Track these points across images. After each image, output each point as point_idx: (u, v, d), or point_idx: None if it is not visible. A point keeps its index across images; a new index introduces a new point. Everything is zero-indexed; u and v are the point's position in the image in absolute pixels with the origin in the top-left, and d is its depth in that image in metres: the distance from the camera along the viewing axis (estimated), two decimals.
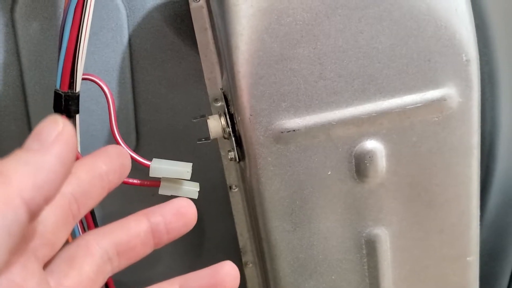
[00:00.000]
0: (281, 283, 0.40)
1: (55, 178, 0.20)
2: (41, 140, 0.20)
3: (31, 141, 0.20)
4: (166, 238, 0.27)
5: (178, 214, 0.27)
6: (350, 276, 0.40)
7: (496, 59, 0.52)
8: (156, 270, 0.55)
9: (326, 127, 0.36)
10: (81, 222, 0.38)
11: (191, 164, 0.38)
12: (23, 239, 0.21)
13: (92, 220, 0.39)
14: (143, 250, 0.26)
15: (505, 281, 0.60)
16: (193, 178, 0.39)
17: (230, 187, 0.45)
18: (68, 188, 0.23)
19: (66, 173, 0.20)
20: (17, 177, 0.19)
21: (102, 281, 0.25)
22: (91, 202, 0.25)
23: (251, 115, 0.35)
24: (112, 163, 0.26)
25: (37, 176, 0.19)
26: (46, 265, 0.23)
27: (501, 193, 0.56)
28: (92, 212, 0.39)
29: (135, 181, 0.38)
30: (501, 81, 0.52)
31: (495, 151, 0.54)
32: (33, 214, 0.19)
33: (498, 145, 0.54)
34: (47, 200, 0.20)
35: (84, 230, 0.38)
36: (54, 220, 0.23)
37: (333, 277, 0.40)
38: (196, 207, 0.33)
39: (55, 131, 0.20)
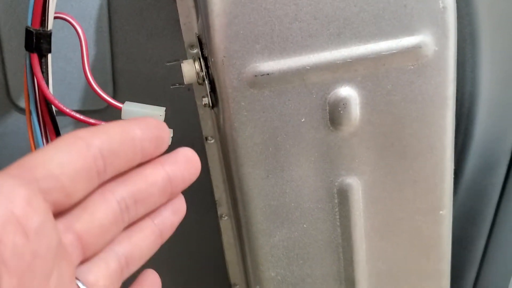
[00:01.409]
0: (253, 230, 0.40)
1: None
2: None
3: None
4: (181, 186, 0.26)
5: (189, 162, 0.26)
6: (321, 225, 0.40)
7: (478, 20, 0.51)
8: None
9: (300, 71, 0.35)
10: None
11: (164, 108, 0.37)
12: None
13: None
14: (161, 198, 0.26)
15: (481, 243, 0.60)
16: (170, 128, 0.39)
17: (206, 138, 0.45)
18: (96, 141, 0.22)
19: None
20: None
21: (116, 231, 0.24)
22: (120, 163, 0.24)
23: (224, 56, 0.35)
24: (149, 131, 0.25)
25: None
26: (61, 213, 0.22)
27: (479, 156, 0.56)
28: None
29: None
30: (482, 42, 0.52)
31: (474, 113, 0.54)
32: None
33: (477, 106, 0.54)
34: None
35: None
36: (73, 167, 0.21)
37: (304, 226, 0.40)
38: None
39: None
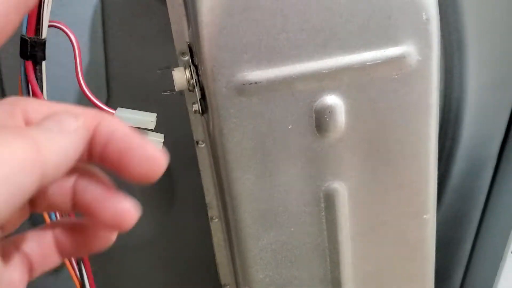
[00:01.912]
0: (242, 234, 0.41)
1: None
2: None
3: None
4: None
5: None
6: (308, 228, 0.41)
7: (465, 27, 0.52)
8: None
9: (287, 80, 0.37)
10: None
11: (155, 114, 0.39)
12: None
13: None
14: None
15: (468, 244, 0.61)
16: (162, 133, 0.40)
17: (197, 143, 0.46)
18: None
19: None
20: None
21: None
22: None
23: (213, 65, 0.36)
24: None
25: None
26: None
27: (466, 160, 0.58)
28: None
29: None
30: (469, 49, 0.53)
31: (461, 118, 0.56)
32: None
33: (464, 111, 0.55)
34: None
35: None
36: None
37: (292, 229, 0.41)
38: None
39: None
